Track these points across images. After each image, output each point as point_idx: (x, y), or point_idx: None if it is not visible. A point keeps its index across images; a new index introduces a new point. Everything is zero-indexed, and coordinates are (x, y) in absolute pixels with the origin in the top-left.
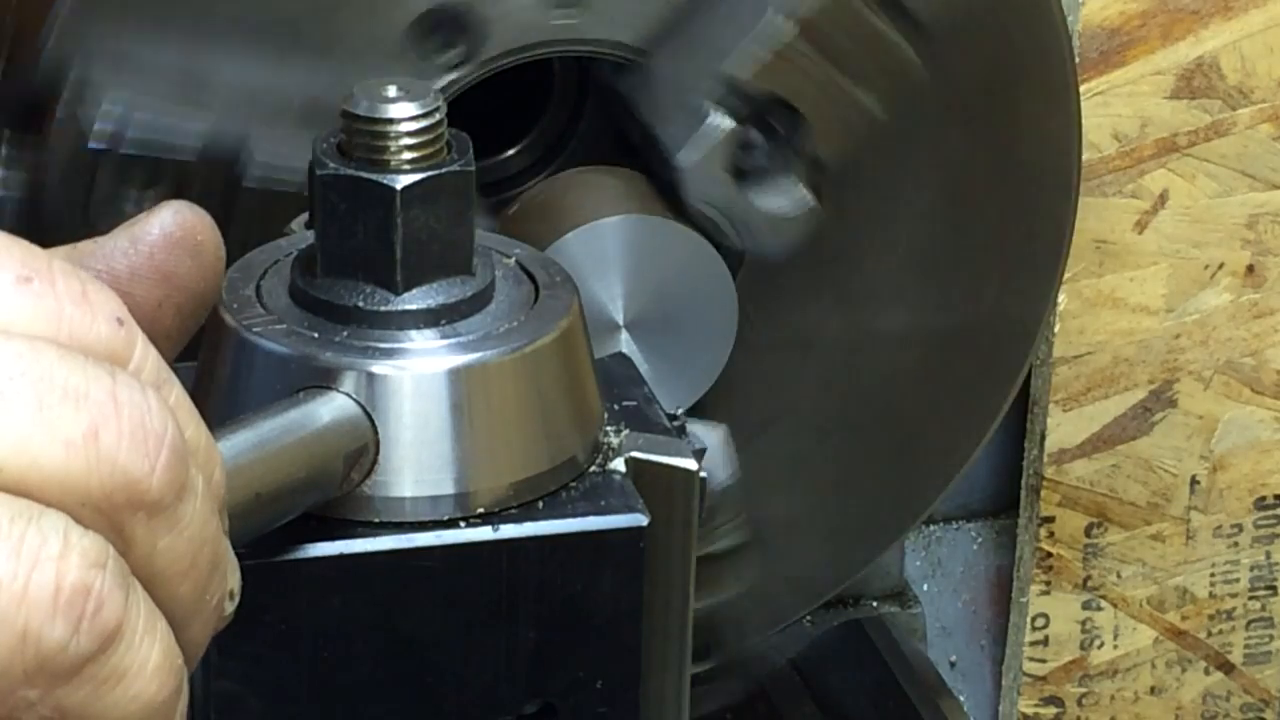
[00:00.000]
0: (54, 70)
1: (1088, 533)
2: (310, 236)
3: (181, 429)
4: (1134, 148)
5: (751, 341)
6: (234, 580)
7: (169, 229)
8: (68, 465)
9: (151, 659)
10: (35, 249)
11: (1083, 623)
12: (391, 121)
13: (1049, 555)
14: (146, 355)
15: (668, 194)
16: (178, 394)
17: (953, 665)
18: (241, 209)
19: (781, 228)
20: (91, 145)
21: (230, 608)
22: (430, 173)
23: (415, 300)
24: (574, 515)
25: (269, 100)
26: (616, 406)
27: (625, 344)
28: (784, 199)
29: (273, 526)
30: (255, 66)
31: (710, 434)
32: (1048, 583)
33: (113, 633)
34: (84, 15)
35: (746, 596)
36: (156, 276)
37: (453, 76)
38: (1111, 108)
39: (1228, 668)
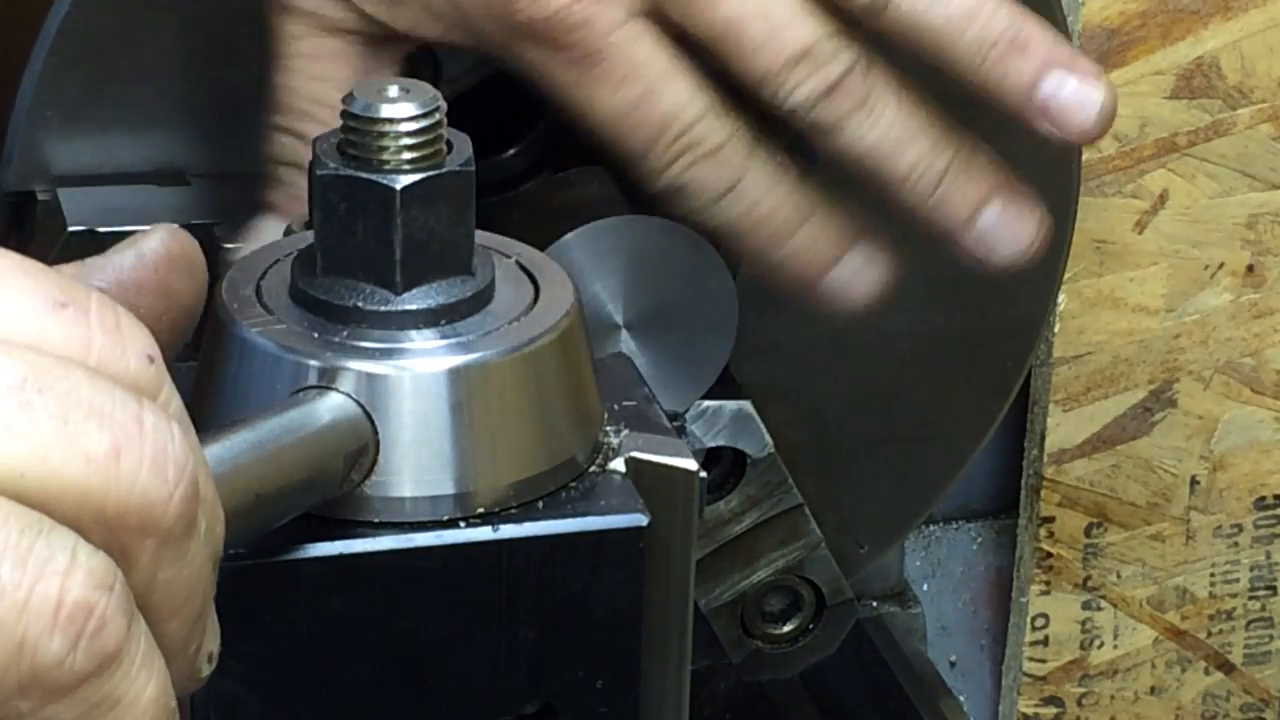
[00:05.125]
0: (24, 184)
1: (1088, 533)
2: (310, 236)
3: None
4: (1134, 148)
5: (751, 343)
6: (214, 644)
7: (170, 246)
8: (86, 480)
9: (147, 693)
10: (75, 281)
11: (1083, 623)
12: (391, 121)
13: (1049, 555)
14: (172, 398)
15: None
16: (193, 442)
17: (953, 665)
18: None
19: None
20: (72, 229)
21: (207, 670)
22: (430, 173)
23: (415, 300)
24: (574, 515)
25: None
26: (616, 406)
27: (625, 344)
28: None
29: (273, 526)
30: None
31: (743, 408)
32: (1048, 583)
33: (111, 656)
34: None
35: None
36: (160, 291)
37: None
38: None
39: (1228, 668)
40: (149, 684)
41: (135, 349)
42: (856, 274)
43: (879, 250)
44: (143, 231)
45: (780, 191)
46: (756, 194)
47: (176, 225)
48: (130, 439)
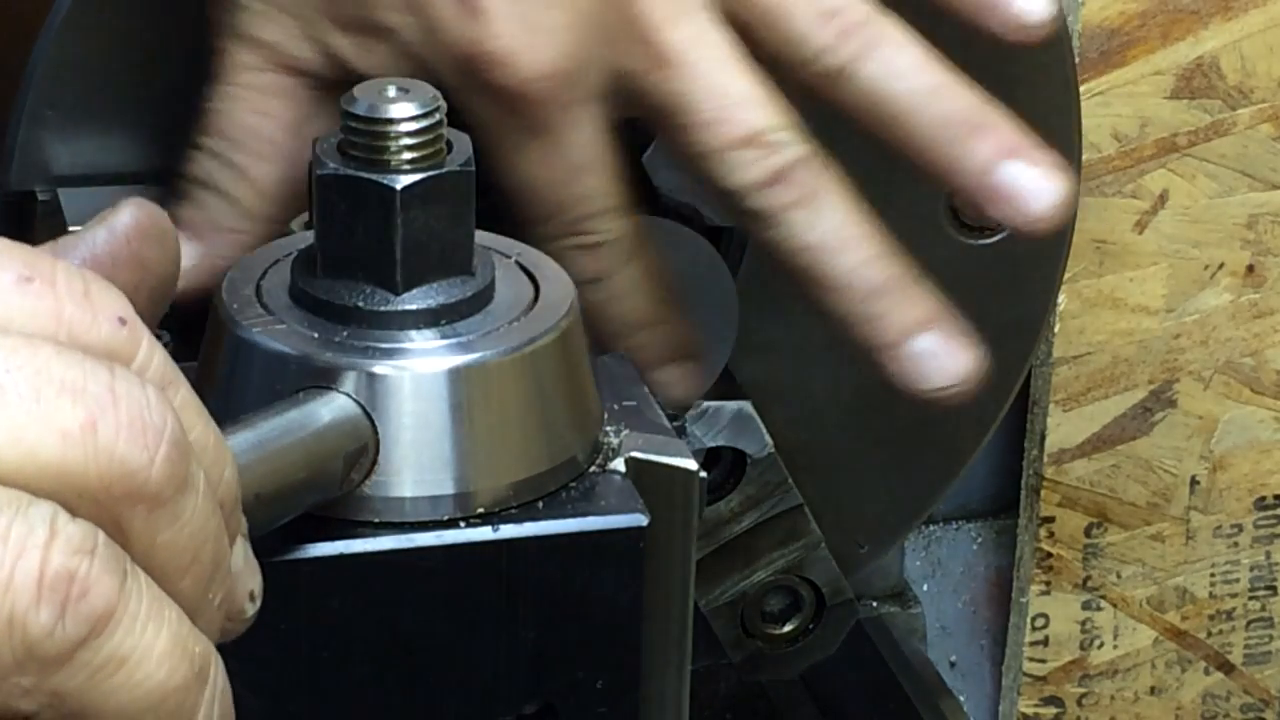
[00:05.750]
0: (24, 184)
1: (1088, 533)
2: (310, 236)
3: (186, 427)
4: (1134, 148)
5: (751, 343)
6: (254, 583)
7: (140, 218)
8: (64, 456)
9: (158, 645)
10: (39, 252)
11: (1083, 623)
12: (391, 121)
13: (1049, 555)
14: (152, 354)
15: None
16: (185, 393)
17: (953, 665)
18: None
19: None
20: (72, 229)
21: (251, 610)
22: (430, 173)
23: (415, 300)
24: (574, 515)
25: None
26: (616, 406)
27: None
28: None
29: (273, 527)
30: None
31: (743, 408)
32: (1048, 583)
33: (103, 617)
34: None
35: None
36: (134, 263)
37: None
38: (1111, 108)
39: (1228, 668)
40: (159, 637)
41: (106, 313)
42: (671, 384)
43: (697, 369)
44: (111, 208)
45: (638, 297)
46: (617, 291)
47: (141, 198)
48: (104, 410)
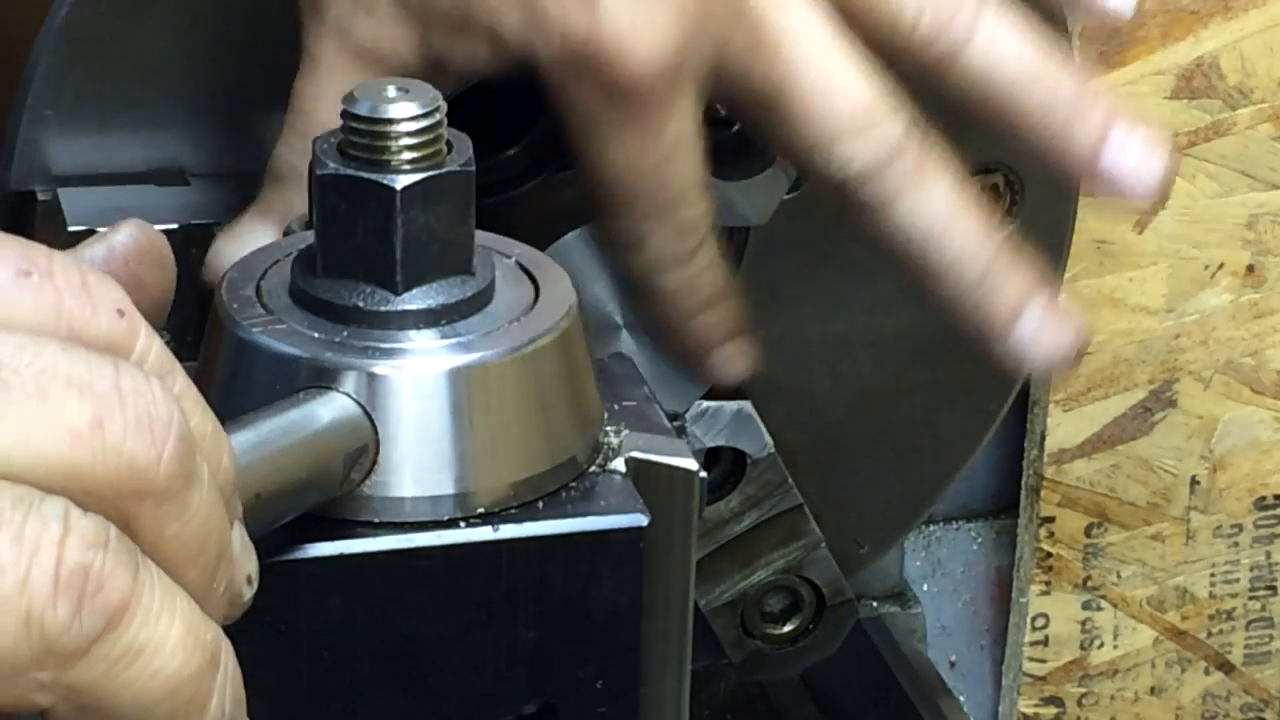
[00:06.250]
0: (24, 184)
1: (1088, 533)
2: (310, 236)
3: (187, 417)
4: None
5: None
6: (250, 566)
7: (139, 239)
8: (73, 455)
9: (172, 635)
10: (34, 244)
11: (1083, 623)
12: (391, 121)
13: (1049, 555)
14: (150, 345)
15: None
16: (182, 382)
17: (953, 665)
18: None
19: (753, 195)
20: (72, 229)
21: (249, 593)
22: (430, 173)
23: (415, 300)
24: (574, 515)
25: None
26: (616, 406)
27: (625, 344)
28: (754, 165)
29: (273, 527)
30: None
31: (743, 408)
32: (1048, 583)
33: (119, 611)
34: (41, 139)
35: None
36: (132, 283)
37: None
38: None
39: (1228, 668)
40: (173, 626)
41: (105, 304)
42: (735, 358)
43: (753, 343)
44: (111, 226)
45: (716, 270)
46: (700, 266)
47: (140, 220)
48: (110, 407)
